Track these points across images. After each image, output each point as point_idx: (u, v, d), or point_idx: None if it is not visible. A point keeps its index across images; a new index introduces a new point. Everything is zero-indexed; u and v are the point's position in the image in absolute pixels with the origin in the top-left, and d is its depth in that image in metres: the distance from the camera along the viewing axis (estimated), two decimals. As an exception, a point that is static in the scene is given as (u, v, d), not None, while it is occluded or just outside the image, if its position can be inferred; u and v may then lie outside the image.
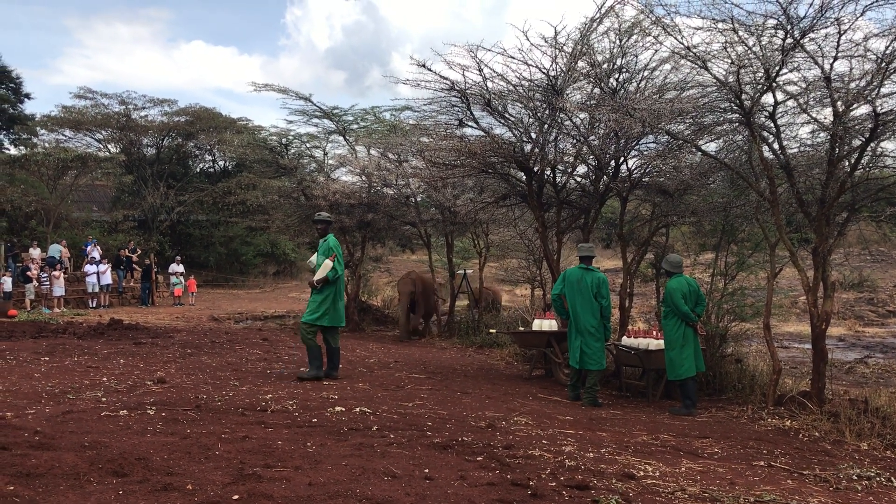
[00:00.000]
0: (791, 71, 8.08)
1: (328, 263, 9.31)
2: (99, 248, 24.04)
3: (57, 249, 22.88)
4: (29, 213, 26.32)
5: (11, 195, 25.33)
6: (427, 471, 4.90)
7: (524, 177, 11.64)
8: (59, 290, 21.08)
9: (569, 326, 9.23)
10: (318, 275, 9.33)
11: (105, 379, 8.61)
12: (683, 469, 5.53)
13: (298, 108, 19.79)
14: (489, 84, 10.61)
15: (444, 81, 10.65)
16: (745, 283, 10.91)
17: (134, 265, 25.39)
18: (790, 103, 8.56)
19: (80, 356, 10.67)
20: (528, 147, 11.14)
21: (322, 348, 9.50)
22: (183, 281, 25.27)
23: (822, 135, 8.84)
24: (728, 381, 9.83)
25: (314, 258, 9.78)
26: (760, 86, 8.09)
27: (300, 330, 9.54)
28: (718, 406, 8.98)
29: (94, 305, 22.47)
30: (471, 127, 11.49)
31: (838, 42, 7.50)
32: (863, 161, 8.38)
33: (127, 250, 25.71)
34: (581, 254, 9.37)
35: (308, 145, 21.36)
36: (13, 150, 34.68)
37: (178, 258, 26.28)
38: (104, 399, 7.25)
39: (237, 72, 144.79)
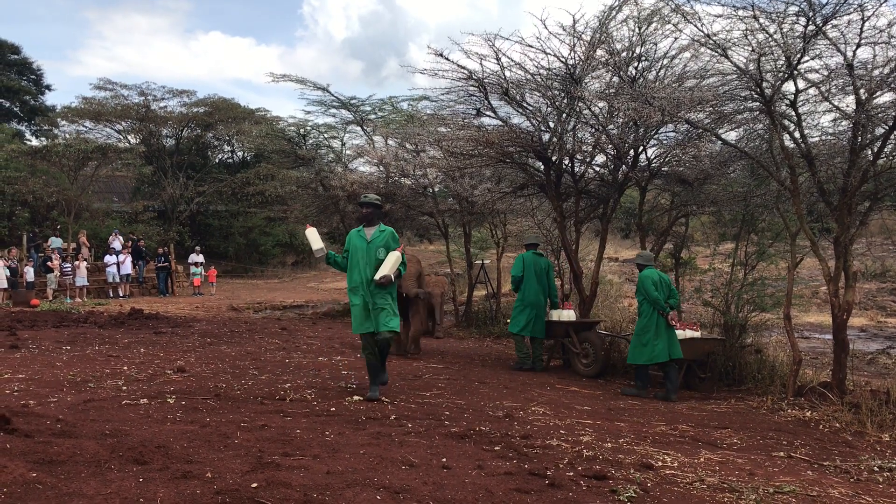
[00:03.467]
0: (813, 58, 7.99)
1: (397, 255, 7.39)
2: (121, 238, 24.23)
3: (59, 242, 23.09)
4: (50, 204, 26.54)
5: (33, 186, 25.56)
6: (444, 460, 4.91)
7: (542, 166, 11.60)
8: (80, 280, 21.30)
9: (520, 302, 10.88)
10: (387, 269, 7.31)
11: (126, 368, 8.69)
12: (702, 459, 5.51)
13: (316, 99, 19.86)
14: (507, 73, 10.58)
15: (462, 71, 10.62)
16: (766, 273, 10.82)
17: (146, 255, 25.50)
18: (812, 91, 8.45)
19: (101, 345, 10.78)
20: (546, 136, 11.09)
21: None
22: (202, 271, 25.43)
23: (844, 123, 8.73)
24: (748, 372, 9.77)
25: (320, 242, 7.86)
26: (781, 74, 8.00)
27: (388, 340, 7.43)
28: (738, 396, 8.93)
29: (115, 295, 22.67)
30: (488, 116, 11.46)
31: (861, 29, 7.41)
32: (886, 150, 8.26)
33: (142, 241, 25.88)
34: (530, 241, 11.38)
35: (326, 136, 21.40)
36: (35, 142, 35.05)
37: (198, 248, 26.42)
38: (125, 388, 7.32)
39: (255, 62, 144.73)
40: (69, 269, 21.22)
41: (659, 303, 8.96)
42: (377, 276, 7.29)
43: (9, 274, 19.44)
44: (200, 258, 25.62)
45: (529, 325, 10.76)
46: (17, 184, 25.50)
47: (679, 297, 9.70)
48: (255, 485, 4.10)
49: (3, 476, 3.92)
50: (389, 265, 7.33)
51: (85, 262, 22.00)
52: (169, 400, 6.70)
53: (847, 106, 8.34)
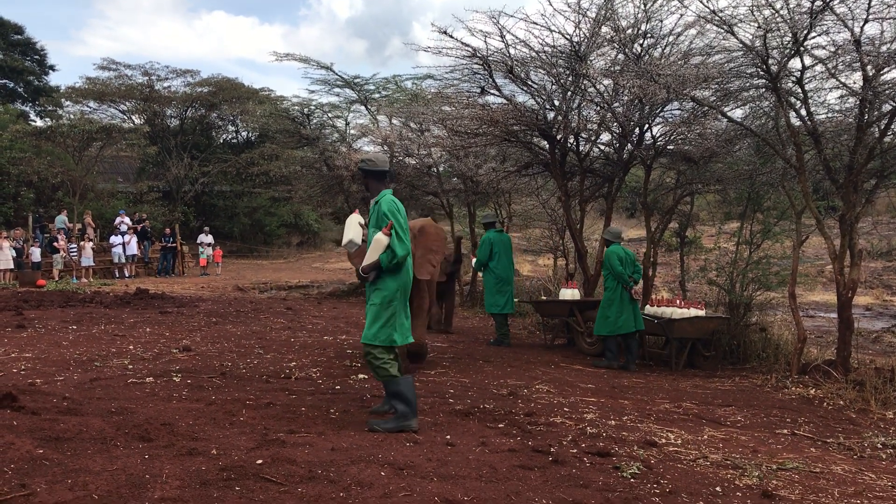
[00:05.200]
0: (819, 35, 7.90)
1: (381, 239, 5.25)
2: (127, 218, 24.26)
3: (62, 220, 23.13)
4: (55, 185, 26.61)
5: (38, 167, 25.60)
6: (448, 437, 4.93)
7: (547, 145, 11.55)
8: (86, 260, 21.35)
9: (495, 282, 10.91)
10: (368, 258, 5.34)
11: (131, 347, 8.73)
12: (706, 437, 5.52)
13: (320, 78, 19.83)
14: (511, 51, 10.50)
15: (466, 49, 10.54)
16: (771, 252, 10.80)
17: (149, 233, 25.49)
18: (818, 68, 8.37)
19: (107, 325, 10.82)
20: (550, 115, 11.03)
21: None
22: (210, 251, 25.44)
23: (850, 100, 8.65)
24: (752, 350, 9.79)
25: (352, 234, 5.82)
26: (788, 50, 7.92)
27: (366, 357, 5.37)
28: (742, 374, 8.94)
29: (121, 275, 22.73)
30: (493, 95, 11.39)
31: (869, 4, 7.33)
32: (893, 127, 8.20)
33: (148, 222, 25.88)
34: (488, 220, 11.71)
35: (330, 115, 21.40)
36: (39, 122, 35.00)
37: (207, 228, 26.41)
38: (130, 366, 7.36)
39: (258, 42, 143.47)
40: (75, 249, 21.28)
41: (623, 277, 9.25)
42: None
43: (14, 254, 19.51)
44: (210, 238, 25.62)
45: (509, 303, 10.94)
46: (22, 164, 25.55)
47: (642, 272, 9.94)
48: (260, 461, 4.13)
49: (11, 452, 3.95)
50: (368, 252, 5.36)
51: (90, 243, 22.05)
52: (175, 378, 6.73)
53: (854, 83, 8.26)
